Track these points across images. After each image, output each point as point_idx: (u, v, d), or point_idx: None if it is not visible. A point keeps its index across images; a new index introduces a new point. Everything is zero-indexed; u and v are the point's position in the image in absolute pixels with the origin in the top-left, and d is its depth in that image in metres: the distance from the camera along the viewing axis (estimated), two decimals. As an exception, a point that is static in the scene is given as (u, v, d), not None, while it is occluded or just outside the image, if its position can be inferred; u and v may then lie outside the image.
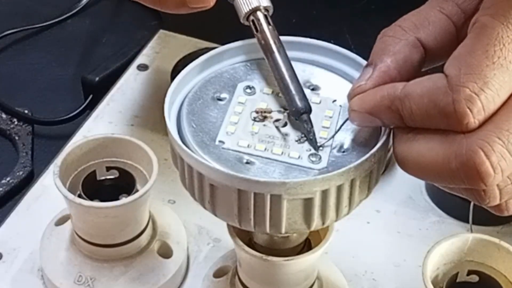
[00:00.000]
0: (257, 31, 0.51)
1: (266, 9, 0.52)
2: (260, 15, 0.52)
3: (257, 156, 0.47)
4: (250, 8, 0.52)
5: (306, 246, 0.54)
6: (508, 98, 0.42)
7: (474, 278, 0.56)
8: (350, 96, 0.47)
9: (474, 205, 0.62)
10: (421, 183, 0.69)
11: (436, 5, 0.47)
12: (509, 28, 0.42)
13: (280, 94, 0.50)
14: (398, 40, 0.46)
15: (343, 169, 0.45)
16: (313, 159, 0.47)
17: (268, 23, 0.51)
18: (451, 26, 0.46)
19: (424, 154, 0.43)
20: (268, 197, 0.45)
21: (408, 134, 0.44)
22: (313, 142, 0.47)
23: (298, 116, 0.48)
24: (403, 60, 0.46)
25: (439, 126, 0.43)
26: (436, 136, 0.43)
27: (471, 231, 0.60)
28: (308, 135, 0.48)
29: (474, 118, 0.42)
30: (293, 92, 0.49)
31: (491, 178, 0.42)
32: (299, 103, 0.48)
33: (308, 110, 0.48)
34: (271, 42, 0.51)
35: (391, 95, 0.44)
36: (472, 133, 0.42)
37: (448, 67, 0.43)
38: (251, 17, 0.52)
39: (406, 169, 0.45)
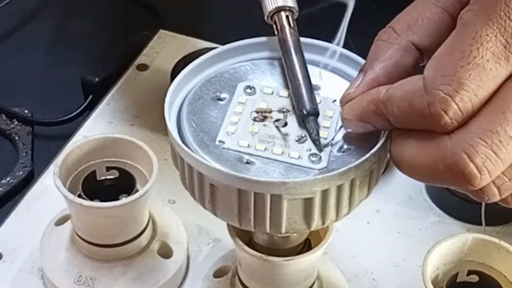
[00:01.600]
0: (278, 30, 0.51)
1: (290, 10, 0.52)
2: (283, 15, 0.52)
3: (257, 156, 0.47)
4: (275, 6, 0.52)
5: (306, 246, 0.54)
6: (491, 96, 0.42)
7: (474, 278, 0.56)
8: (342, 103, 0.47)
9: (470, 205, 0.62)
10: (421, 183, 0.69)
11: None
12: (489, 25, 0.41)
13: (280, 95, 0.50)
14: (390, 44, 0.46)
15: (343, 169, 0.45)
16: (313, 159, 0.47)
17: (290, 24, 0.51)
18: (447, 18, 0.46)
19: (414, 156, 0.43)
20: (268, 197, 0.45)
21: (401, 136, 0.44)
22: (317, 145, 0.47)
23: (306, 118, 0.48)
24: (394, 65, 0.45)
25: (422, 127, 0.43)
26: (423, 138, 0.43)
27: (484, 232, 0.59)
28: (313, 138, 0.48)
29: (451, 119, 0.41)
30: (304, 94, 0.49)
31: (477, 180, 0.41)
32: (308, 105, 0.48)
33: (316, 113, 0.48)
34: (290, 43, 0.51)
35: (375, 99, 0.44)
36: (455, 135, 0.42)
37: (426, 69, 0.43)
38: (275, 16, 0.52)
39: (401, 171, 0.45)
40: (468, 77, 0.41)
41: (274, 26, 0.52)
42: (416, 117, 0.42)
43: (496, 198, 0.44)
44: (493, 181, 0.43)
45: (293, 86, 0.50)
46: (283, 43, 0.51)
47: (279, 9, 0.52)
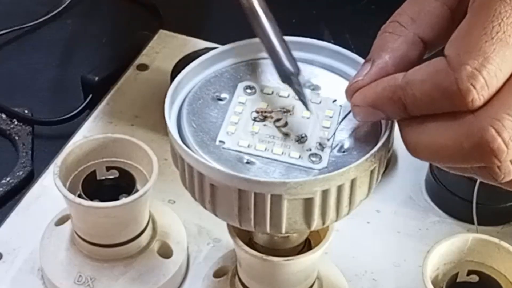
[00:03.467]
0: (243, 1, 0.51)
1: None
2: None
3: (258, 156, 0.47)
4: None
5: (306, 246, 0.54)
6: None
7: (474, 278, 0.56)
8: (348, 92, 0.47)
9: (471, 205, 0.62)
10: (421, 183, 0.69)
11: None
12: (506, 2, 0.42)
13: (281, 95, 0.50)
14: (397, 36, 0.46)
15: (344, 169, 0.45)
16: (314, 159, 0.47)
17: None
18: (446, 11, 0.46)
19: (435, 138, 0.43)
20: (269, 197, 0.45)
21: (416, 121, 0.44)
22: (304, 103, 0.47)
23: (288, 78, 0.48)
24: (401, 57, 0.46)
25: (444, 109, 0.43)
26: (444, 119, 0.43)
27: (477, 231, 0.60)
28: (299, 96, 0.48)
29: (478, 94, 0.41)
30: (281, 55, 0.49)
31: (504, 154, 0.42)
32: (287, 65, 0.48)
33: (297, 71, 0.48)
34: (257, 8, 0.50)
35: (392, 85, 0.44)
36: (480, 112, 0.42)
37: (447, 49, 0.43)
38: None
39: (418, 156, 0.45)
40: (493, 51, 0.41)
41: None
42: (440, 96, 0.42)
43: (511, 176, 0.44)
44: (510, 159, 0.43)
45: (269, 51, 0.49)
46: (249, 11, 0.50)
47: None
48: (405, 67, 0.45)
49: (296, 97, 0.49)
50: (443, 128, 0.43)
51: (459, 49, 0.42)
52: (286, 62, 0.48)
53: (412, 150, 0.45)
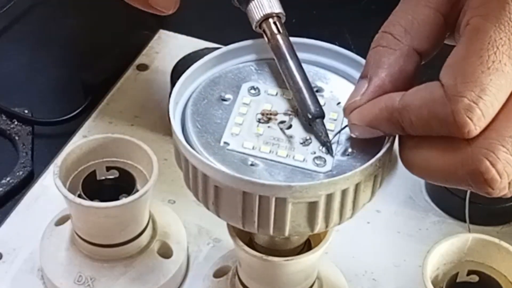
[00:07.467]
0: (269, 38, 0.51)
1: (278, 16, 0.52)
2: (271, 22, 0.51)
3: (262, 158, 0.47)
4: (263, 15, 0.51)
5: (306, 246, 0.54)
6: (507, 100, 0.42)
7: (474, 278, 0.56)
8: (346, 111, 0.47)
9: (471, 205, 0.62)
10: (421, 183, 0.69)
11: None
12: (501, 29, 0.42)
13: (285, 96, 0.50)
14: (392, 51, 0.46)
15: (349, 173, 0.45)
16: (318, 162, 0.47)
17: (279, 30, 0.51)
18: (440, 20, 0.46)
19: (430, 161, 0.44)
20: (273, 200, 0.45)
21: (414, 139, 0.44)
22: (328, 147, 0.47)
23: (312, 121, 0.48)
24: (398, 72, 0.46)
25: (440, 134, 0.43)
26: (441, 143, 0.43)
27: (469, 230, 0.60)
28: (323, 140, 0.48)
29: (475, 125, 0.42)
30: (307, 97, 0.49)
31: (497, 183, 0.42)
32: (312, 108, 0.48)
33: (322, 115, 0.48)
34: (284, 49, 0.51)
35: (389, 107, 0.44)
36: (476, 143, 0.42)
37: (443, 76, 0.43)
38: (264, 24, 0.52)
39: (413, 173, 0.45)
40: (490, 82, 0.41)
41: (264, 34, 0.52)
42: (436, 125, 0.43)
43: (505, 191, 0.44)
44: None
45: (294, 92, 0.49)
46: (276, 50, 0.51)
47: (266, 17, 0.52)
48: (402, 82, 0.45)
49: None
50: (439, 152, 0.44)
51: (456, 78, 0.42)
52: (312, 106, 0.49)
53: (408, 167, 0.45)
